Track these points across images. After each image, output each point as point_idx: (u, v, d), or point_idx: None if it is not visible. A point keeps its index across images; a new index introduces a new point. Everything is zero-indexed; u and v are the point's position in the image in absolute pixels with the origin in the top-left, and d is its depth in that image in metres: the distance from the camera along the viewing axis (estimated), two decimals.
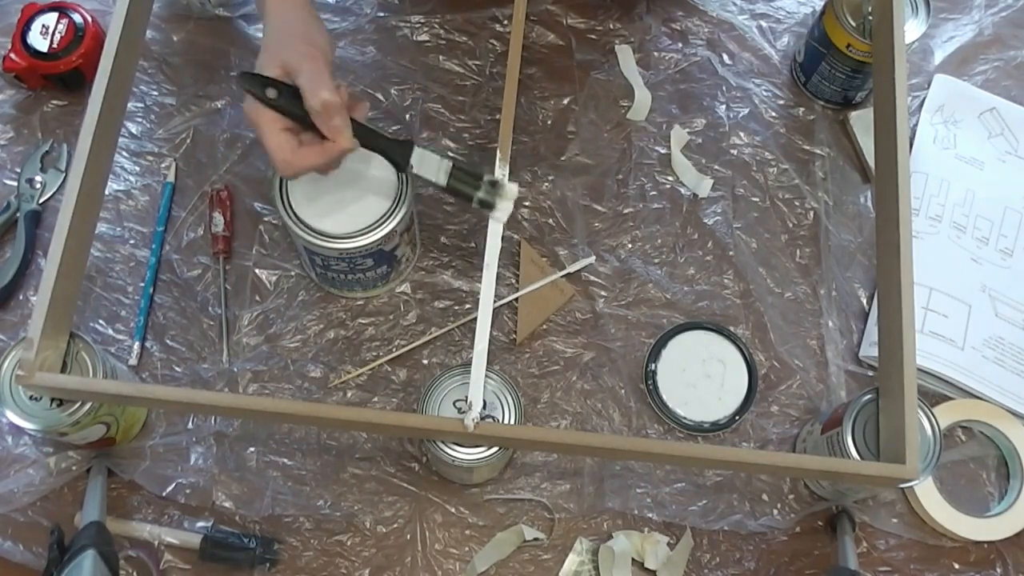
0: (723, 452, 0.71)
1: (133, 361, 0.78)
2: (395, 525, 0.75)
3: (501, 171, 0.69)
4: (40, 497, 0.74)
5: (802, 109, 0.90)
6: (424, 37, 0.90)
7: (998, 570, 0.76)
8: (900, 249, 0.67)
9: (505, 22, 0.90)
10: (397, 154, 0.67)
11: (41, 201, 0.83)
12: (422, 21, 0.90)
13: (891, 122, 0.71)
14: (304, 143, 0.65)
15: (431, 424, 0.65)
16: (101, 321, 0.79)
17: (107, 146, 0.70)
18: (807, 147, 0.88)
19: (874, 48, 0.78)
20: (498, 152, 0.70)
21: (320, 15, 0.67)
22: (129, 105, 0.85)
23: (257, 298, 0.81)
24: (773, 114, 0.89)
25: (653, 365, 0.79)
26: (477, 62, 0.89)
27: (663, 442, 0.76)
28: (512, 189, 0.67)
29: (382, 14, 0.90)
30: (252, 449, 0.76)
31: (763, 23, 0.92)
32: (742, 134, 0.88)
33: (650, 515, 0.76)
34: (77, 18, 0.84)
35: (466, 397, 0.64)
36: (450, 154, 0.84)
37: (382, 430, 0.75)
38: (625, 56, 0.90)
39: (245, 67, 0.88)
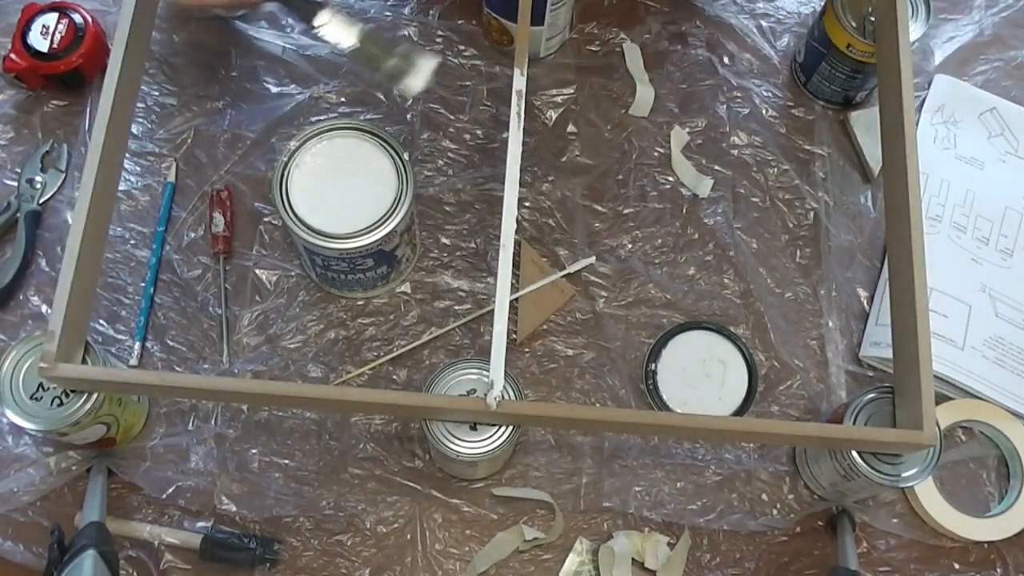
0: (744, 423, 0.72)
1: (134, 361, 0.78)
2: (395, 525, 0.75)
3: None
4: (40, 497, 0.74)
5: (802, 109, 0.89)
6: (425, 37, 0.89)
7: (998, 570, 0.76)
8: (911, 220, 0.68)
9: None
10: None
11: (41, 201, 0.83)
12: (423, 21, 0.90)
13: (898, 121, 0.71)
14: None
15: (452, 404, 0.65)
16: (101, 321, 0.79)
17: (117, 147, 0.70)
18: (807, 147, 0.88)
19: (878, 48, 0.78)
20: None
21: None
22: None
23: (257, 298, 0.81)
24: (773, 114, 0.89)
25: (653, 365, 0.79)
26: (478, 62, 0.89)
27: (682, 416, 0.75)
28: (426, 63, 0.66)
29: (387, 14, 0.90)
30: (253, 450, 0.76)
31: (763, 23, 0.92)
32: (742, 134, 0.88)
33: (650, 515, 0.76)
34: (77, 18, 0.84)
35: (468, 391, 0.64)
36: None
37: (402, 411, 0.73)
38: (632, 54, 0.89)
39: (246, 67, 0.88)
